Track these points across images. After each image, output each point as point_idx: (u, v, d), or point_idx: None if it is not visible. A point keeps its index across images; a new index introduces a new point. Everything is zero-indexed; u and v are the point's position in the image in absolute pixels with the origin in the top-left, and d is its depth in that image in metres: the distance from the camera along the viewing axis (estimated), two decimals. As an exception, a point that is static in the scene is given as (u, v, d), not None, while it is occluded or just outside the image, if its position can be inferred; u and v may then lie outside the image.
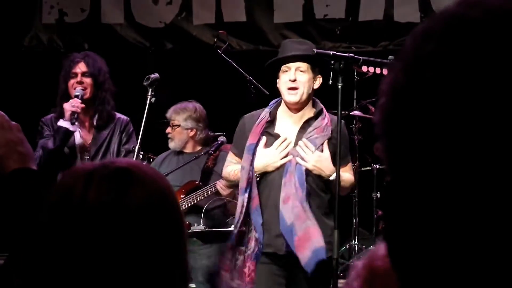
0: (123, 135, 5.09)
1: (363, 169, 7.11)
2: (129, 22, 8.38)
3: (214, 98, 7.69)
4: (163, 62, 7.82)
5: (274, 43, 8.26)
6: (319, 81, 4.66)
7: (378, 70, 5.38)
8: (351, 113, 6.81)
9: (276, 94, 4.79)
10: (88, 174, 1.36)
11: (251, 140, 4.56)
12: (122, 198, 1.33)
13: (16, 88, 7.65)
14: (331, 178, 4.49)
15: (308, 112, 4.66)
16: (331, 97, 4.62)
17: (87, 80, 5.04)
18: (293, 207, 4.38)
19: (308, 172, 4.49)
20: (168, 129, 5.89)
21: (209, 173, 5.73)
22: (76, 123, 4.87)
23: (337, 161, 4.36)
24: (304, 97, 4.58)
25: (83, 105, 4.92)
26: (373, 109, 6.95)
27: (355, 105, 6.98)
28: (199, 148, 5.92)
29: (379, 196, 7.13)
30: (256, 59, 7.90)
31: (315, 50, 4.51)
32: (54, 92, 5.19)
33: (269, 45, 8.19)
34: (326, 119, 4.63)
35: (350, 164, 4.78)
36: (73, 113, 4.84)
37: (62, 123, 4.86)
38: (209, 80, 7.84)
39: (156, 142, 6.15)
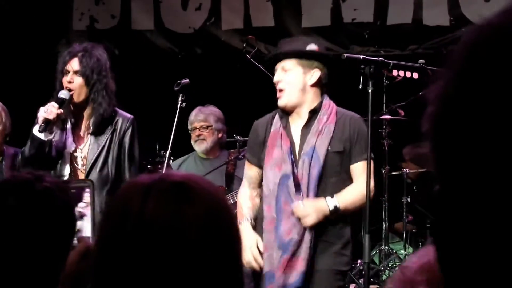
0: (125, 139, 4.61)
1: (393, 173, 7.08)
2: (158, 28, 8.43)
3: (243, 103, 7.71)
4: (193, 67, 7.85)
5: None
6: (316, 74, 4.41)
7: (408, 74, 5.36)
8: (380, 117, 6.79)
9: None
10: (146, 189, 1.35)
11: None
12: (179, 213, 1.32)
13: (50, 93, 7.72)
14: (331, 209, 4.23)
15: (306, 111, 4.43)
16: (361, 101, 4.62)
17: (78, 80, 4.53)
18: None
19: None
20: (199, 131, 5.89)
21: (232, 178, 5.75)
22: (47, 131, 4.41)
23: (368, 163, 4.32)
24: (293, 97, 4.39)
25: (59, 111, 4.41)
26: (402, 113, 6.93)
27: (384, 109, 6.96)
28: (218, 152, 5.94)
29: (409, 201, 7.10)
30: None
31: (345, 54, 4.49)
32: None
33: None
34: (325, 116, 4.41)
35: (364, 164, 4.34)
36: (45, 120, 4.37)
37: (35, 130, 4.42)
38: (238, 85, 7.85)
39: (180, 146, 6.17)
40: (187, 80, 4.95)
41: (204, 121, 5.91)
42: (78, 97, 4.54)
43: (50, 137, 4.45)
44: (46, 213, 1.96)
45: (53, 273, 2.00)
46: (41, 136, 4.41)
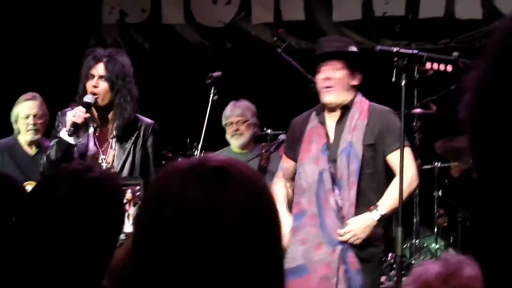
0: (147, 145, 4.68)
1: (424, 167, 7.04)
2: (189, 22, 8.44)
3: (274, 97, 7.70)
4: (223, 61, 7.86)
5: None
6: (359, 77, 4.57)
7: (442, 67, 5.31)
8: (412, 112, 6.75)
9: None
10: (186, 173, 1.34)
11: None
12: (218, 198, 1.31)
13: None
14: (378, 219, 4.35)
15: (340, 108, 4.55)
16: (393, 95, 4.59)
17: (104, 85, 4.57)
18: None
19: None
20: (236, 126, 5.89)
21: (264, 171, 5.74)
22: (75, 135, 4.48)
23: (401, 155, 4.30)
24: (341, 96, 4.50)
25: (86, 115, 4.47)
26: (434, 107, 6.88)
27: (416, 103, 6.92)
28: (253, 146, 5.94)
29: (440, 195, 7.06)
30: (315, 57, 7.90)
31: (378, 47, 4.48)
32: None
33: (328, 44, 8.15)
34: (357, 113, 4.51)
35: (398, 152, 4.30)
36: (73, 123, 4.44)
37: (63, 134, 4.47)
38: (269, 79, 7.85)
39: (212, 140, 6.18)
40: (219, 73, 4.95)
41: (241, 115, 5.91)
42: (102, 101, 4.59)
43: (78, 140, 4.52)
44: (95, 203, 1.98)
45: (101, 263, 2.01)
46: (70, 140, 4.48)
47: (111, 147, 4.65)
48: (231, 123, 5.93)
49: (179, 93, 8.06)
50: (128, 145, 4.63)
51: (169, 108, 8.02)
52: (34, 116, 5.53)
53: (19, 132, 5.59)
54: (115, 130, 4.63)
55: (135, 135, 4.65)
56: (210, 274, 1.30)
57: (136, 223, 1.41)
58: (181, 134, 7.28)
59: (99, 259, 2.00)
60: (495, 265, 0.81)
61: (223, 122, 6.00)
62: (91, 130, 4.66)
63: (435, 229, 7.03)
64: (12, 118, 5.60)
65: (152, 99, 7.89)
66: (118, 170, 4.56)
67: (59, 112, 4.77)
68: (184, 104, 7.78)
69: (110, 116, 4.65)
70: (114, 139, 4.65)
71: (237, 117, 5.92)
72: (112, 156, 4.64)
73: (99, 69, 4.59)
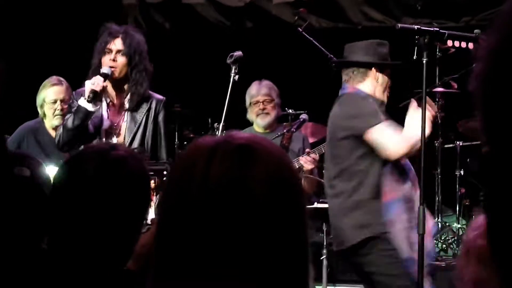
0: (159, 119, 4.75)
1: (446, 146, 7.02)
2: (209, 2, 8.43)
3: (295, 76, 7.69)
4: (243, 41, 7.85)
5: (354, 20, 8.21)
6: None
7: (463, 45, 5.27)
8: (433, 90, 6.73)
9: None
10: (211, 150, 1.34)
11: None
12: (244, 175, 1.31)
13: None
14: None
15: None
16: (414, 72, 4.57)
17: (122, 59, 4.65)
18: None
19: None
20: (262, 105, 5.88)
21: (286, 151, 5.74)
22: (93, 102, 4.55)
23: (422, 138, 4.29)
24: None
25: (105, 84, 4.57)
26: (455, 85, 6.85)
27: (437, 82, 6.89)
28: (276, 126, 5.93)
29: (462, 174, 7.04)
30: (336, 36, 7.87)
31: (399, 25, 4.44)
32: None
33: (349, 23, 8.14)
34: None
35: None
36: (92, 91, 4.51)
37: (82, 101, 4.55)
38: (289, 58, 7.83)
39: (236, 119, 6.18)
40: (240, 53, 4.93)
41: (267, 95, 5.90)
42: (119, 75, 4.67)
43: (96, 108, 4.59)
44: (121, 181, 1.99)
45: (126, 244, 2.03)
46: (89, 106, 4.55)
47: (124, 120, 4.73)
48: (257, 102, 5.91)
49: (199, 73, 8.06)
50: (140, 118, 4.71)
51: (189, 88, 8.03)
52: (61, 101, 5.55)
53: (44, 116, 5.61)
54: (129, 104, 4.71)
55: (146, 109, 4.72)
56: (236, 250, 1.30)
57: (161, 201, 1.41)
58: (202, 114, 7.30)
59: (124, 240, 2.01)
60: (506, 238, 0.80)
61: (248, 101, 5.99)
62: (104, 103, 4.72)
63: (457, 208, 7.01)
64: (38, 102, 5.61)
65: (172, 78, 7.92)
66: (128, 142, 4.64)
67: (73, 92, 4.87)
68: (204, 84, 7.79)
69: (124, 90, 4.73)
70: (127, 113, 4.73)
71: (263, 96, 5.90)
72: (124, 129, 4.72)
73: (117, 43, 4.67)
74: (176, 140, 7.32)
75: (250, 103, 5.96)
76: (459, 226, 6.89)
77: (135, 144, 4.67)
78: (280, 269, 1.32)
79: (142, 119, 4.71)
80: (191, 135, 7.27)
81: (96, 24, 4.95)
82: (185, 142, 7.24)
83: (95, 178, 1.98)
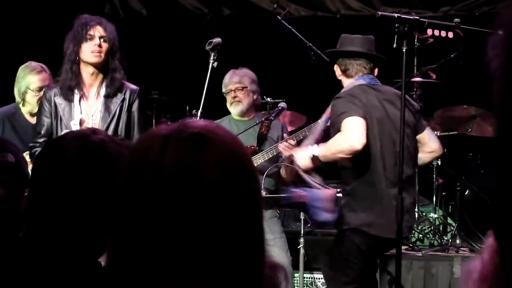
0: (133, 109, 4.79)
1: (423, 136, 7.02)
2: (187, -12, 8.38)
3: (273, 64, 7.67)
4: (221, 28, 7.81)
5: (332, 9, 8.19)
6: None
7: (443, 34, 5.28)
8: (412, 80, 6.73)
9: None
10: (164, 138, 1.34)
11: None
12: (198, 162, 1.32)
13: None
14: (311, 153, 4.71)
15: None
16: (393, 62, 4.57)
17: (105, 45, 4.68)
18: None
19: None
20: (234, 93, 5.86)
21: (264, 139, 5.72)
22: None
23: (401, 125, 4.30)
24: None
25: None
26: (434, 75, 6.86)
27: (415, 72, 6.90)
28: (253, 114, 5.91)
29: (439, 163, 7.06)
30: (314, 25, 7.86)
31: (379, 13, 4.44)
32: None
33: (328, 11, 8.12)
34: None
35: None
36: None
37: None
38: (268, 46, 7.80)
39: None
40: (218, 39, 4.90)
41: (239, 83, 5.86)
42: (103, 60, 4.70)
43: None
44: (100, 165, 1.96)
45: (106, 228, 2.00)
46: None
47: (99, 110, 4.74)
48: (230, 91, 5.89)
49: (177, 60, 8.01)
50: (114, 108, 4.73)
51: (167, 75, 7.98)
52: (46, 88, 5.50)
53: (23, 101, 5.53)
54: (105, 90, 4.74)
55: (121, 99, 4.75)
56: (192, 237, 1.30)
57: (116, 190, 1.40)
58: (180, 101, 7.26)
59: (103, 225, 1.99)
60: None
61: (223, 91, 5.96)
62: (76, 98, 4.73)
63: (434, 198, 7.03)
64: (20, 89, 5.52)
65: (150, 66, 7.87)
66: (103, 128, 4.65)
67: (45, 88, 4.95)
68: (182, 71, 7.74)
69: (98, 79, 4.75)
70: (102, 102, 4.74)
71: (235, 84, 5.87)
72: (98, 119, 4.73)
73: (100, 30, 4.69)
74: (153, 127, 7.27)
75: (225, 92, 5.94)
76: (435, 216, 6.91)
77: (109, 133, 4.63)
78: (236, 255, 1.32)
79: (116, 109, 4.73)
80: (169, 123, 7.23)
81: (72, 10, 4.91)
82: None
83: (74, 161, 1.95)
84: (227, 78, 5.95)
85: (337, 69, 4.84)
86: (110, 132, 4.64)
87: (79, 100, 4.73)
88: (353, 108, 4.53)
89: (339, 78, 4.86)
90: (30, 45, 7.56)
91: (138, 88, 4.85)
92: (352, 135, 4.45)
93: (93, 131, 2.04)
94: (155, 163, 1.31)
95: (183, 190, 1.30)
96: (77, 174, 1.94)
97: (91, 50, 4.65)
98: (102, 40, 4.67)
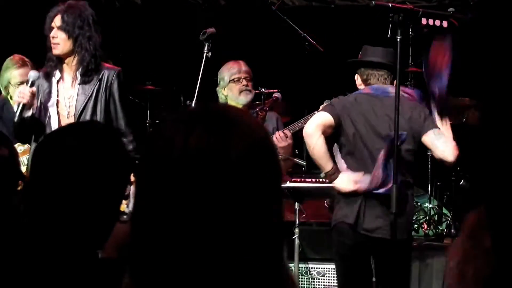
0: (112, 90, 4.81)
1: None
2: (182, -22, 8.34)
3: (268, 54, 7.65)
4: (216, 18, 7.79)
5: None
6: None
7: (437, 23, 5.27)
8: (406, 70, 6.73)
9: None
10: (187, 122, 1.33)
11: None
12: (223, 144, 1.31)
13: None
14: None
15: None
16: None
17: (61, 35, 4.74)
18: None
19: None
20: (246, 81, 5.84)
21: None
22: (26, 110, 4.70)
23: (396, 119, 4.30)
24: None
25: (32, 90, 4.70)
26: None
27: (410, 62, 6.89)
28: (248, 107, 5.90)
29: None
30: (308, 15, 7.85)
31: (373, 2, 4.43)
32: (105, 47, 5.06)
33: (322, 1, 8.10)
34: None
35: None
36: (20, 104, 4.69)
37: (15, 108, 4.76)
38: (263, 36, 7.79)
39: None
40: (213, 29, 4.89)
41: (249, 73, 5.87)
42: (63, 50, 4.77)
43: (29, 113, 4.72)
44: (103, 152, 1.97)
45: (106, 221, 2.00)
46: (22, 115, 4.70)
47: (76, 94, 4.79)
48: (239, 78, 5.85)
49: (171, 50, 7.99)
50: (90, 89, 4.76)
51: (161, 65, 7.96)
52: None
53: (8, 94, 5.51)
54: (80, 76, 4.78)
55: (97, 80, 4.77)
56: (214, 219, 1.29)
57: (140, 175, 1.38)
58: (175, 92, 7.24)
59: (103, 218, 1.99)
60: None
61: (227, 79, 5.91)
62: (56, 78, 4.81)
63: (429, 188, 7.03)
64: (2, 83, 5.52)
65: (144, 56, 7.84)
66: (78, 114, 4.72)
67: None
68: (177, 61, 7.72)
69: (73, 63, 4.80)
70: (79, 86, 4.79)
71: (245, 73, 5.86)
72: (75, 101, 4.79)
73: (57, 20, 4.75)
74: (148, 118, 7.27)
75: (231, 80, 5.89)
76: (430, 206, 6.91)
77: (86, 115, 4.71)
78: (257, 241, 1.31)
79: (93, 90, 4.76)
80: (163, 113, 7.22)
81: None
82: (157, 120, 7.20)
83: (77, 148, 1.95)
84: (235, 67, 5.91)
85: (357, 79, 4.77)
86: (87, 113, 4.72)
87: (57, 83, 4.81)
88: (328, 107, 4.63)
89: (359, 87, 4.79)
90: (19, 35, 7.53)
91: (119, 69, 4.87)
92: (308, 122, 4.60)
93: (92, 121, 2.06)
94: (180, 146, 1.30)
95: (208, 172, 1.29)
96: (79, 161, 1.94)
97: (50, 43, 4.77)
98: (59, 30, 4.73)
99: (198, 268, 1.29)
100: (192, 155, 1.30)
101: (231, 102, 5.89)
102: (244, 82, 5.81)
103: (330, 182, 4.64)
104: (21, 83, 5.36)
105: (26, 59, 5.53)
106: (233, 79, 5.84)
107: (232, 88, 5.85)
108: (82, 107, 4.73)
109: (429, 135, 4.54)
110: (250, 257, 1.30)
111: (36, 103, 4.77)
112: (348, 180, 4.56)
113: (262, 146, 1.36)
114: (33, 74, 4.76)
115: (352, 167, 4.58)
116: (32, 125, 4.74)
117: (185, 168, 1.30)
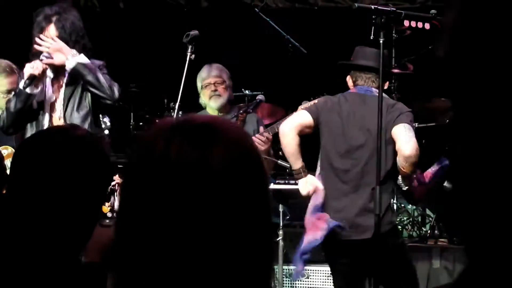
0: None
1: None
2: (164, -20, 8.34)
3: (251, 57, 7.66)
4: (199, 21, 7.79)
5: (310, 1, 8.19)
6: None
7: (420, 25, 5.29)
8: (389, 71, 6.74)
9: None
10: (170, 131, 1.32)
11: None
12: (204, 154, 1.29)
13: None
14: None
15: None
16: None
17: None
18: None
19: None
20: (214, 87, 5.84)
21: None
22: (32, 86, 4.66)
23: (379, 122, 4.32)
24: None
25: (45, 66, 4.66)
26: (411, 67, 6.88)
27: (393, 63, 6.92)
28: (229, 108, 5.90)
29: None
30: (292, 17, 7.86)
31: (356, 4, 4.44)
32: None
33: (306, 3, 8.12)
34: None
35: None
36: (30, 76, 4.63)
37: (21, 84, 4.69)
38: (246, 38, 7.79)
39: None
40: (196, 32, 4.89)
41: (218, 76, 5.85)
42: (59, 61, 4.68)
43: (36, 90, 4.67)
44: (83, 158, 1.96)
45: (86, 224, 1.99)
46: (28, 90, 4.63)
47: (62, 90, 4.76)
48: (208, 84, 5.86)
49: (155, 52, 7.98)
50: (71, 90, 4.72)
51: (145, 68, 7.95)
52: (15, 91, 5.43)
53: None
54: (67, 80, 4.73)
55: (79, 81, 4.72)
56: (195, 229, 1.27)
57: (123, 183, 1.38)
58: (158, 94, 7.23)
59: (84, 221, 1.98)
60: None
61: (199, 85, 5.92)
62: (49, 79, 4.77)
63: (412, 189, 7.05)
64: None
65: (127, 58, 7.83)
66: (66, 106, 4.69)
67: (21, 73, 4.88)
68: (160, 64, 7.71)
69: (65, 70, 4.73)
70: (64, 89, 4.75)
71: (214, 77, 5.86)
72: (60, 102, 4.74)
73: (51, 30, 4.67)
74: (132, 121, 7.25)
75: (202, 87, 5.90)
76: (414, 207, 6.93)
77: (74, 106, 4.68)
78: (244, 249, 1.30)
79: (72, 91, 4.71)
80: (147, 116, 7.21)
81: (49, 3, 4.88)
82: (141, 123, 7.19)
83: (57, 153, 1.95)
84: (204, 71, 5.93)
85: (349, 80, 4.80)
86: (75, 103, 4.69)
87: (51, 81, 4.77)
88: (310, 107, 4.67)
89: (351, 88, 4.81)
90: (5, 37, 7.50)
91: (102, 62, 4.79)
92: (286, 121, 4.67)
93: (74, 126, 2.05)
94: (161, 155, 1.29)
95: (190, 182, 1.28)
96: (59, 166, 1.93)
97: (44, 51, 4.65)
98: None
99: (181, 273, 1.28)
100: (172, 164, 1.29)
101: (208, 108, 5.90)
102: (213, 88, 5.82)
103: (296, 180, 4.71)
104: (9, 91, 5.33)
105: (14, 66, 5.49)
106: (203, 85, 5.86)
107: (204, 94, 5.88)
108: (68, 98, 4.70)
109: (399, 127, 4.51)
110: (234, 262, 1.29)
111: (43, 85, 4.73)
112: (305, 184, 4.61)
113: (245, 155, 1.34)
114: (46, 55, 4.66)
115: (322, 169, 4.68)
116: (31, 106, 4.68)
117: (164, 176, 1.29)
